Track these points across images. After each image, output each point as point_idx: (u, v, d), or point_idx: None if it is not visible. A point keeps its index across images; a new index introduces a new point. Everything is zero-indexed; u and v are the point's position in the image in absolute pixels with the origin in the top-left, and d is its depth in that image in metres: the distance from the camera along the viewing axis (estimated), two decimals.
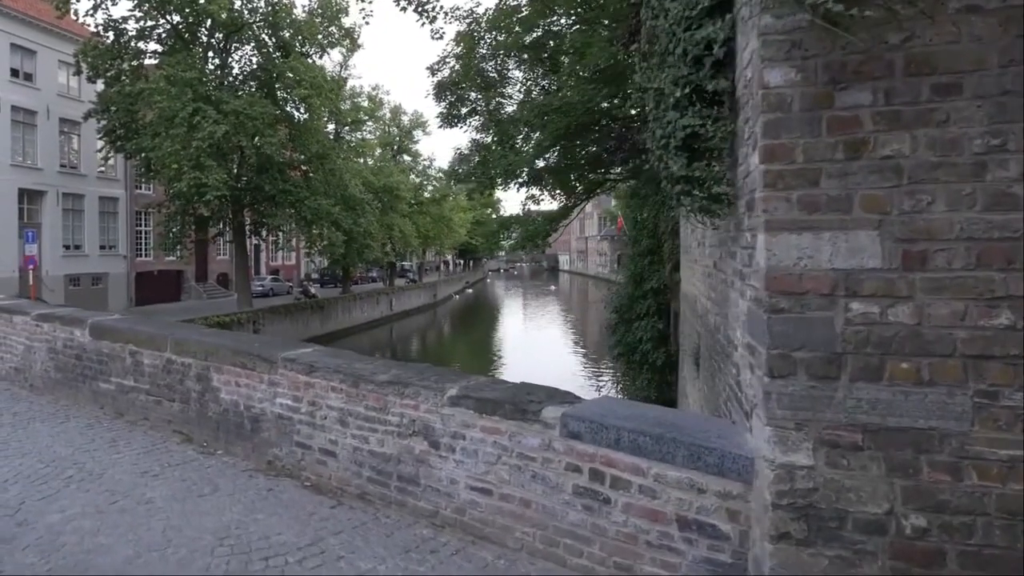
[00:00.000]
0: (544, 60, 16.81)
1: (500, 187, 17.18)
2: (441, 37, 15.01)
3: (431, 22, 14.53)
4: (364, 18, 19.36)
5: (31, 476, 4.01)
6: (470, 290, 76.83)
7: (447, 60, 18.28)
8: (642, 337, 9.18)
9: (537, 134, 11.88)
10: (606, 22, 13.83)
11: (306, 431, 4.07)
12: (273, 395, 4.26)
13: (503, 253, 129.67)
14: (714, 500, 2.56)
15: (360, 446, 3.78)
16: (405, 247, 45.42)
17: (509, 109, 17.53)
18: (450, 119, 18.87)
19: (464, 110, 18.00)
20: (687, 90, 2.88)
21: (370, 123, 43.34)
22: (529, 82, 18.34)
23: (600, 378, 26.44)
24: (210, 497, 3.76)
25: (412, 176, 48.06)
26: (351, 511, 3.63)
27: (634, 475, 2.75)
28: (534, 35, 16.79)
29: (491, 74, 18.03)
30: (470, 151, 18.14)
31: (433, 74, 18.31)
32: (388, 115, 46.68)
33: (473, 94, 18.56)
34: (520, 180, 15.84)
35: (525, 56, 17.26)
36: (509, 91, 17.43)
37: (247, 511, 3.59)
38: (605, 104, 11.88)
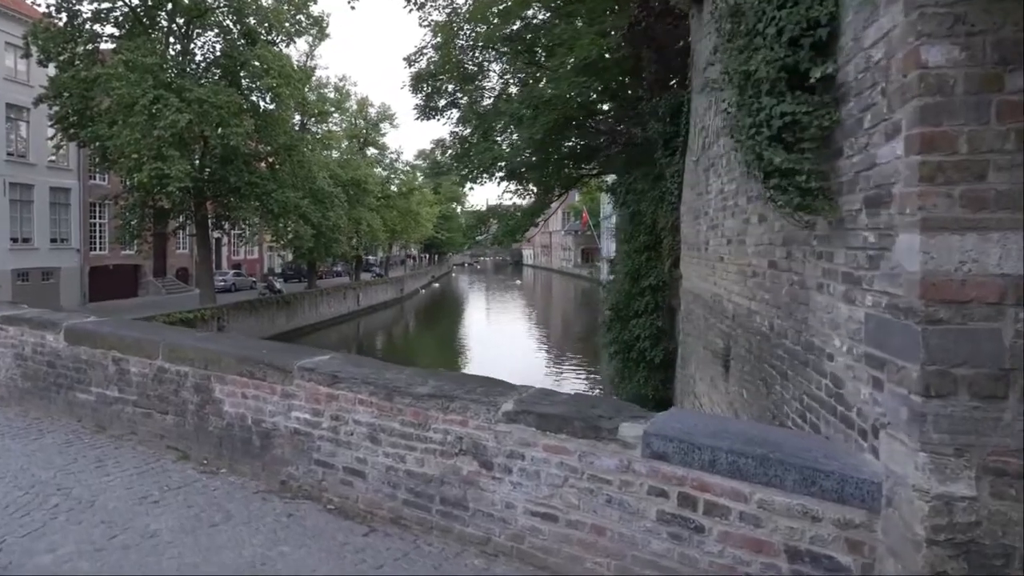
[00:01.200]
0: (523, 53, 16.46)
1: (480, 181, 16.77)
2: (430, 25, 14.49)
3: (419, 8, 14.00)
4: (350, 2, 18.14)
5: (9, 506, 3.51)
6: (436, 284, 76.13)
7: (425, 51, 17.77)
8: (640, 335, 8.97)
9: (525, 127, 11.55)
10: (584, 14, 13.58)
11: (328, 448, 3.67)
12: (288, 408, 3.85)
13: (467, 247, 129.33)
14: (831, 529, 2.29)
15: (395, 465, 3.40)
16: (372, 241, 44.55)
17: (487, 102, 17.12)
18: (427, 111, 18.37)
19: (442, 102, 17.51)
20: (782, 74, 2.60)
21: (336, 115, 42.31)
22: (508, 75, 17.98)
23: (576, 373, 26.46)
24: (224, 527, 3.34)
25: (379, 169, 47.20)
26: (387, 539, 3.26)
27: (734, 501, 2.46)
28: (514, 27, 16.43)
29: (470, 66, 17.59)
30: (451, 144, 17.66)
31: (410, 65, 17.78)
32: (355, 107, 45.66)
33: (451, 86, 18.09)
34: (500, 175, 15.49)
35: (505, 49, 16.89)
36: (488, 84, 17.03)
37: (269, 542, 3.18)
38: (593, 96, 11.63)
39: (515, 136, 12.76)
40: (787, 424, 3.37)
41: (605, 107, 14.49)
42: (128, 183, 24.32)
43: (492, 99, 17.61)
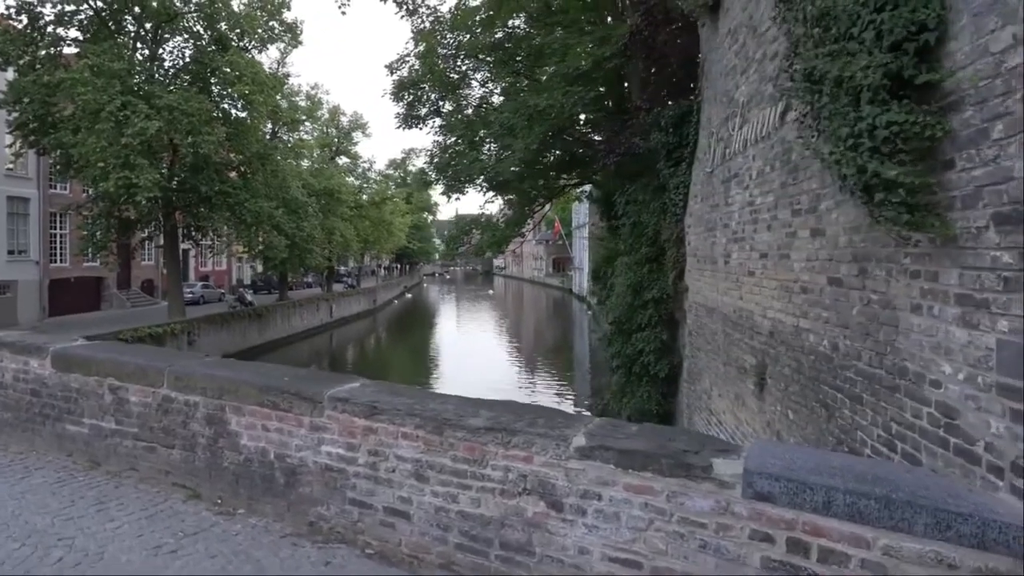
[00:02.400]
0: (507, 62, 16.33)
1: (464, 192, 16.50)
2: (419, 32, 14.18)
3: (411, 15, 13.72)
4: (341, 8, 17.56)
5: (6, 562, 3.10)
6: (409, 295, 75.31)
7: (407, 59, 17.50)
8: (643, 348, 8.79)
9: (519, 137, 11.34)
10: (572, 24, 13.49)
11: (365, 487, 3.36)
12: (317, 442, 3.52)
13: (438, 257, 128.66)
14: None
15: (445, 506, 3.11)
16: (345, 251, 43.80)
17: (468, 111, 16.91)
18: (409, 120, 18.07)
19: (423, 111, 17.23)
20: (885, 80, 2.41)
21: (308, 123, 41.57)
22: (490, 83, 17.82)
23: (549, 386, 26.25)
24: None
25: (351, 179, 46.52)
26: None
27: (854, 547, 2.24)
28: (496, 36, 16.29)
29: (452, 75, 17.37)
30: (435, 154, 17.36)
31: (392, 72, 17.48)
32: (326, 116, 44.97)
33: (434, 95, 17.84)
34: (484, 186, 15.27)
35: (489, 58, 16.73)
36: (471, 93, 16.82)
37: None
38: (586, 106, 11.51)
39: (502, 147, 12.53)
40: (863, 452, 3.18)
41: (599, 117, 14.37)
42: (93, 192, 23.40)
43: (474, 108, 17.41)
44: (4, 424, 4.98)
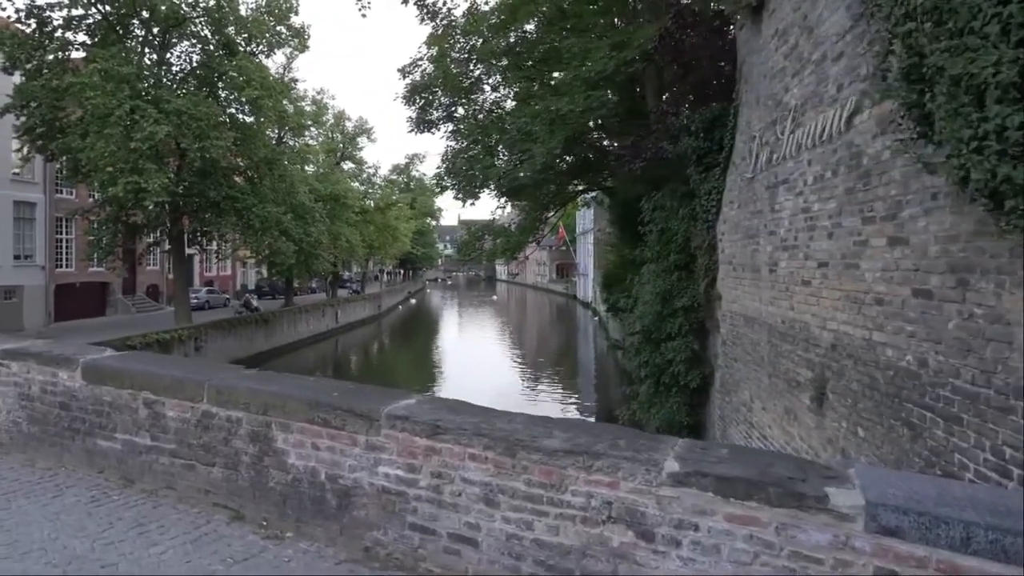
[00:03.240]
0: (521, 67, 16.20)
1: (479, 196, 16.35)
2: (436, 34, 14.09)
3: (431, 18, 13.59)
4: (361, 10, 17.22)
5: None
6: (413, 300, 75.19)
7: (419, 62, 17.38)
8: (673, 358, 8.59)
9: (541, 142, 11.18)
10: (593, 28, 13.36)
11: (427, 511, 3.16)
12: (373, 462, 3.32)
13: (440, 262, 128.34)
14: None
15: (519, 533, 2.90)
16: (350, 256, 43.65)
17: (480, 116, 16.78)
18: (421, 124, 17.93)
19: (436, 115, 17.09)
20: (1017, 78, 2.23)
21: (313, 128, 41.48)
22: (504, 87, 17.70)
23: (554, 394, 26.05)
24: None
25: (356, 184, 46.42)
26: None
27: None
28: (509, 40, 16.18)
29: (463, 80, 17.25)
30: (450, 159, 17.22)
31: (404, 76, 17.34)
32: (331, 120, 44.89)
33: (446, 99, 17.71)
34: (498, 191, 15.11)
35: (502, 62, 16.61)
36: (483, 97, 16.69)
37: None
38: (608, 110, 11.36)
39: (520, 151, 12.37)
40: (963, 476, 2.98)
41: (612, 122, 14.22)
42: (100, 197, 23.27)
43: (487, 113, 17.28)
44: (31, 438, 4.78)
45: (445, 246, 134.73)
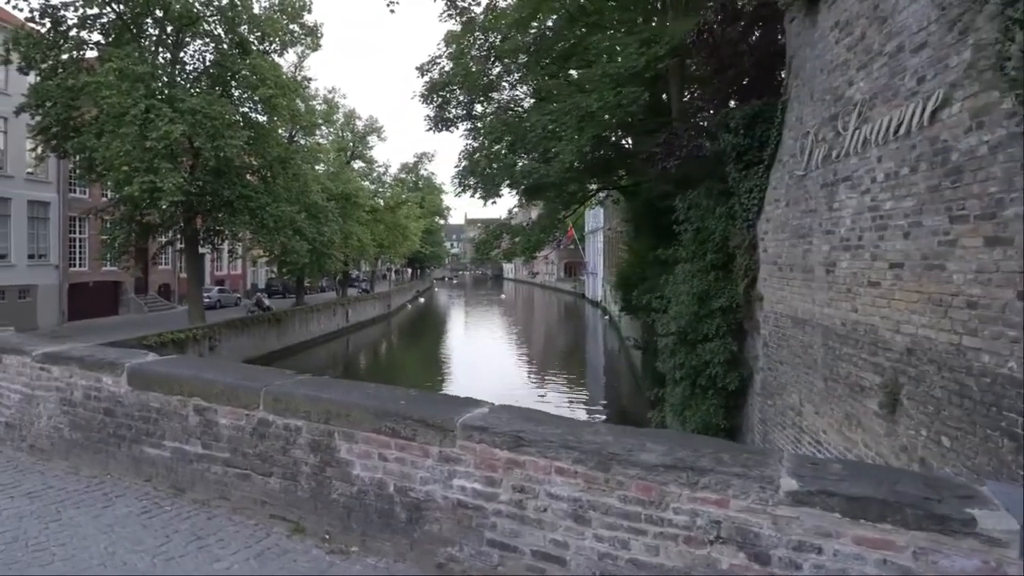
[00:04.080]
0: (543, 65, 16.01)
1: (500, 196, 16.18)
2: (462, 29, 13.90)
3: (460, 14, 13.43)
4: (389, 5, 16.67)
5: None
6: (421, 299, 75.15)
7: (438, 60, 17.21)
8: (710, 360, 8.39)
9: (569, 140, 10.99)
10: (619, 24, 13.17)
11: (507, 526, 2.99)
12: (448, 475, 3.15)
13: (448, 261, 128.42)
14: None
15: (613, 552, 2.73)
16: (361, 255, 43.56)
17: (504, 114, 16.59)
18: (439, 122, 17.76)
19: (455, 112, 16.92)
20: None
21: (323, 127, 41.39)
22: (520, 85, 17.51)
23: (563, 392, 25.90)
24: None
25: (367, 183, 46.34)
26: None
27: None
28: (529, 34, 16.01)
29: (482, 79, 17.07)
30: (473, 157, 17.04)
31: (423, 74, 17.18)
32: (341, 119, 44.81)
33: (463, 97, 17.54)
34: (521, 189, 14.93)
35: (522, 60, 16.43)
36: (505, 95, 16.51)
37: None
38: (638, 107, 11.17)
39: (545, 150, 12.18)
40: None
41: (634, 120, 14.01)
42: (115, 196, 23.23)
43: (508, 111, 17.10)
44: (74, 445, 4.64)
45: (452, 245, 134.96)
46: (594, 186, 18.64)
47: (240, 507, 3.84)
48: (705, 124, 9.52)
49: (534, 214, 35.77)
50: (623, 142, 14.67)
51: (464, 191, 15.26)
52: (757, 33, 9.01)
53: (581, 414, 21.54)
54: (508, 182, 14.70)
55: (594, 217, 56.66)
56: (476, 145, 16.76)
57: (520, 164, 12.65)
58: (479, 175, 15.77)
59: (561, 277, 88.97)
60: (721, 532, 2.51)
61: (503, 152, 14.84)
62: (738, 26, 8.66)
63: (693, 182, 11.03)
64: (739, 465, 2.57)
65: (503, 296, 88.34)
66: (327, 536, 3.50)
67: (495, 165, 15.14)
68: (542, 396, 24.83)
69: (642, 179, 14.08)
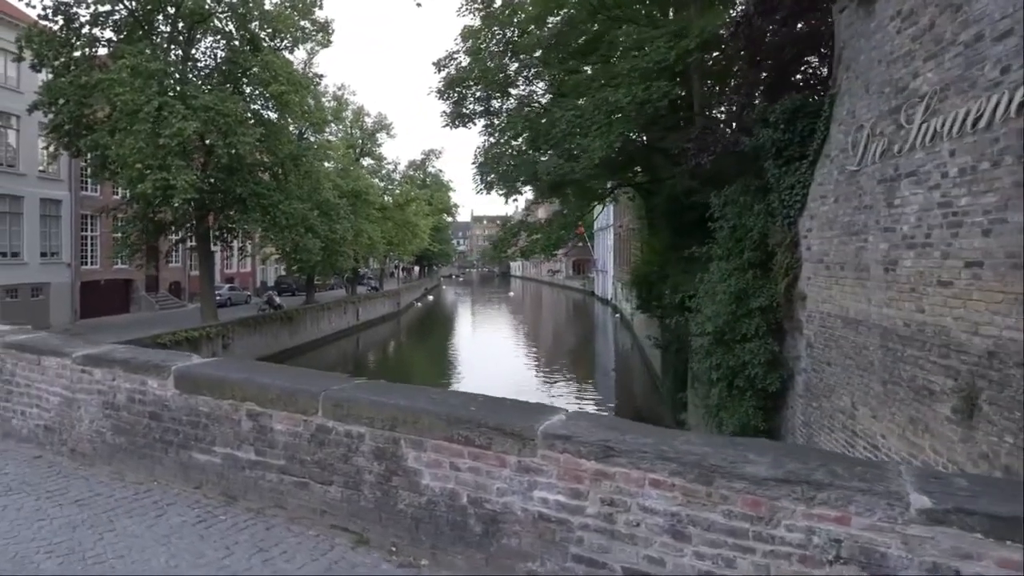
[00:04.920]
0: (562, 60, 15.82)
1: (522, 192, 16.00)
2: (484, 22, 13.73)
3: (483, 7, 13.25)
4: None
5: None
6: (430, 297, 75.08)
7: (455, 56, 17.04)
8: (748, 360, 8.21)
9: (599, 136, 10.82)
10: (644, 18, 12.97)
11: (595, 541, 2.82)
12: (528, 486, 2.99)
13: (455, 259, 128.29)
14: None
15: (715, 571, 2.56)
16: (371, 253, 43.47)
17: (525, 110, 16.40)
18: (456, 118, 17.59)
19: (472, 108, 16.74)
20: None
21: (332, 124, 41.26)
22: (537, 80, 17.32)
23: (579, 392, 25.77)
24: None
25: (376, 180, 46.20)
26: None
27: None
28: (547, 27, 15.81)
29: (499, 75, 16.89)
30: (488, 154, 16.87)
31: (440, 69, 17.02)
32: (350, 116, 44.69)
33: (479, 92, 17.37)
34: (545, 186, 14.75)
35: (540, 55, 16.24)
36: (527, 90, 16.33)
37: None
38: (668, 102, 10.99)
39: (571, 146, 12.00)
40: None
41: (655, 116, 13.82)
42: (128, 194, 23.15)
43: (530, 107, 16.92)
44: (117, 450, 4.50)
45: (459, 242, 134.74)
46: (611, 183, 18.46)
47: (298, 516, 3.69)
48: (730, 118, 9.30)
49: (541, 212, 35.61)
50: (641, 138, 14.46)
51: (486, 189, 15.12)
52: (797, 25, 8.79)
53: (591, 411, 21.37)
54: (525, 179, 14.51)
55: (603, 214, 56.40)
56: (494, 141, 16.58)
57: (543, 161, 12.44)
58: (499, 173, 15.59)
59: (570, 275, 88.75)
60: (842, 551, 2.34)
61: (525, 149, 14.65)
62: (777, 18, 8.45)
63: (723, 178, 10.82)
64: (858, 479, 2.40)
65: (511, 294, 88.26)
66: (394, 548, 3.35)
67: (514, 162, 14.95)
68: (555, 395, 24.75)
69: (664, 175, 13.86)
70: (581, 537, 2.86)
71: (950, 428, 4.52)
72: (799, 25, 8.67)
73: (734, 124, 9.51)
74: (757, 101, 8.96)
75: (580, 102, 11.88)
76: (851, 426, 6.25)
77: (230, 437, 3.98)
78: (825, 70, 9.60)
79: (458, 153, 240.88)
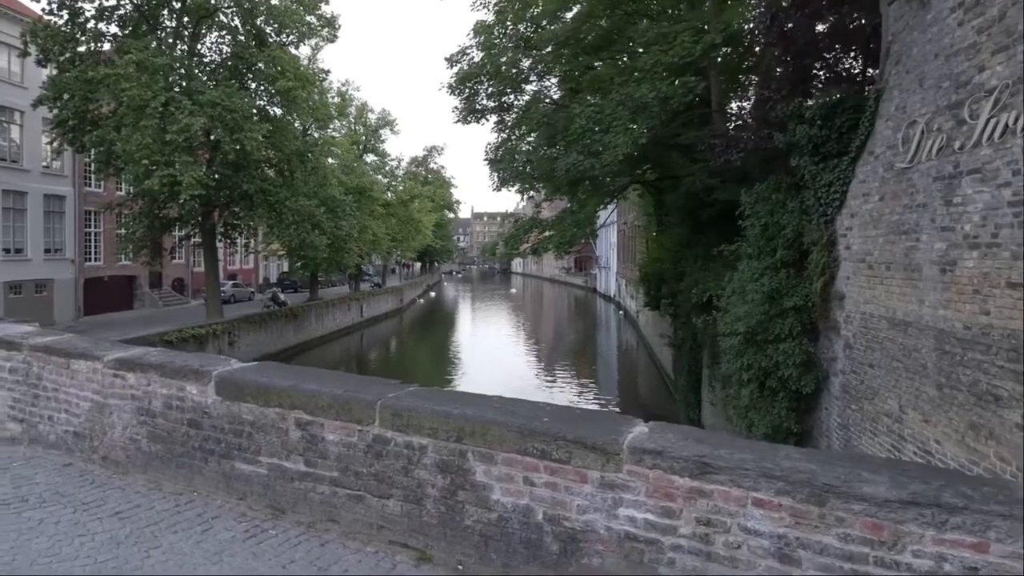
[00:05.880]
0: (579, 55, 15.60)
1: (537, 189, 15.78)
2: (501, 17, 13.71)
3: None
4: None
5: None
6: (432, 294, 74.91)
7: (467, 51, 16.82)
8: (781, 361, 8.02)
9: (623, 132, 10.61)
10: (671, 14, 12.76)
11: (690, 563, 2.64)
12: (612, 503, 2.80)
13: (455, 255, 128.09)
14: None
15: None
16: (375, 250, 43.25)
17: (541, 106, 16.18)
18: (468, 114, 17.38)
19: (488, 104, 16.52)
20: None
21: (336, 121, 40.99)
22: (552, 76, 17.10)
23: (585, 391, 25.63)
24: None
25: (380, 176, 45.96)
26: None
27: None
28: (560, 24, 15.60)
29: (511, 69, 16.66)
30: (500, 150, 16.65)
31: (452, 65, 16.79)
32: (354, 112, 44.41)
33: (494, 88, 17.15)
34: (562, 182, 14.54)
35: (549, 48, 16.02)
36: (543, 86, 16.11)
37: None
38: (688, 98, 10.79)
39: (591, 142, 11.78)
40: None
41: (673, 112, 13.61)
42: (134, 190, 22.94)
43: (539, 103, 16.69)
44: (153, 458, 4.31)
45: (459, 239, 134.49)
46: (627, 180, 18.22)
47: (352, 531, 3.50)
48: (758, 114, 9.09)
49: (545, 209, 35.40)
50: (656, 135, 14.25)
51: (500, 185, 14.92)
52: (830, 19, 8.60)
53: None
54: (541, 176, 14.30)
55: (605, 211, 56.16)
56: (506, 137, 16.37)
57: (562, 157, 12.25)
58: (514, 169, 15.38)
59: (571, 271, 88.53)
60: None
61: (541, 145, 14.44)
62: (811, 12, 8.25)
63: (743, 175, 10.64)
64: (995, 502, 2.21)
65: (513, 291, 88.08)
66: (460, 567, 3.16)
67: (529, 159, 14.74)
68: (558, 390, 24.64)
69: (681, 172, 13.66)
70: (673, 559, 2.68)
71: (1019, 436, 4.34)
72: (832, 19, 8.46)
73: (749, 120, 9.30)
74: (784, 97, 8.75)
75: (590, 99, 11.63)
76: (898, 430, 6.07)
77: (277, 447, 3.78)
78: (854, 65, 9.41)
79: (459, 150, 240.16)
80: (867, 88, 8.01)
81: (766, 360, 8.18)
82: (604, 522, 2.83)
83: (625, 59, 13.54)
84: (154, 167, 19.85)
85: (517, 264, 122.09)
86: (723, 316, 9.11)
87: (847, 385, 7.32)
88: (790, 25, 8.33)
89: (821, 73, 9.05)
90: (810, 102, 7.85)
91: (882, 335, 6.43)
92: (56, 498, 3.96)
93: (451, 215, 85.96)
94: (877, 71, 9.20)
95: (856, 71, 8.94)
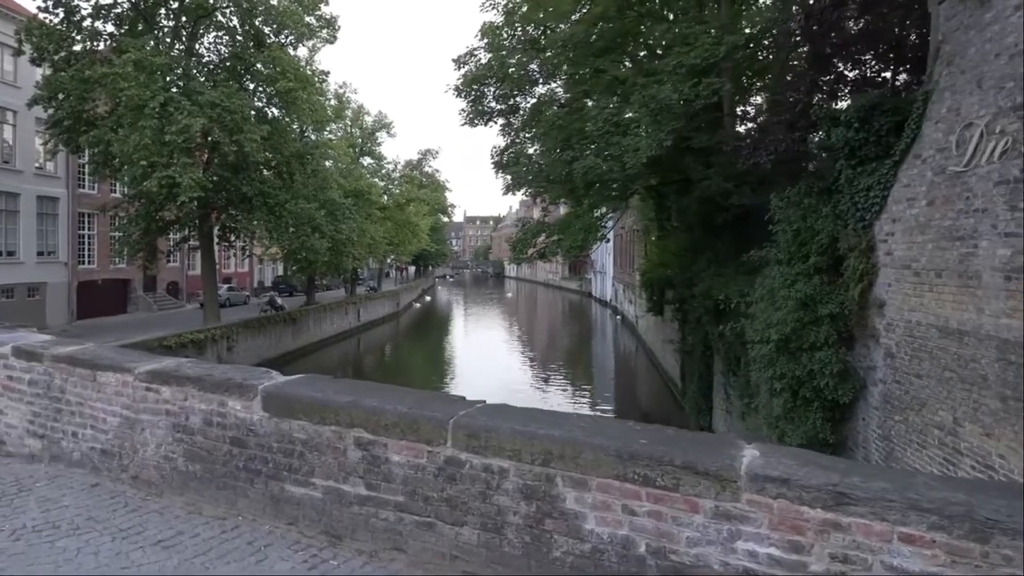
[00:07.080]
0: (590, 56, 15.40)
1: (551, 193, 15.56)
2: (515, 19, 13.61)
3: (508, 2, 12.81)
4: None
5: None
6: (428, 298, 74.52)
7: (475, 52, 16.59)
8: (816, 370, 7.82)
9: (646, 135, 10.41)
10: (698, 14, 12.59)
11: None
12: (729, 536, 2.56)
13: (449, 259, 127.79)
14: None
15: None
16: (372, 253, 42.87)
17: (553, 108, 15.97)
18: (474, 116, 17.15)
19: (496, 106, 16.30)
20: None
21: (333, 123, 40.62)
22: (563, 76, 16.89)
23: (581, 396, 25.43)
24: None
25: (376, 179, 45.60)
26: None
27: None
28: (571, 23, 15.41)
29: (519, 72, 16.45)
30: (509, 153, 16.43)
31: (459, 66, 16.56)
32: (350, 115, 44.08)
33: (501, 91, 16.93)
34: (576, 186, 14.32)
35: (560, 52, 15.82)
36: (548, 88, 15.90)
37: None
38: (713, 99, 10.61)
39: (608, 145, 11.57)
40: None
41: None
42: (131, 192, 22.50)
43: (547, 106, 16.48)
44: (191, 478, 4.01)
45: (452, 243, 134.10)
46: (639, 184, 18.00)
47: (421, 560, 3.23)
48: (790, 117, 8.90)
49: (536, 213, 35.18)
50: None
51: (515, 188, 14.67)
52: (863, 21, 8.43)
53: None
54: (554, 179, 14.08)
55: (614, 215, 55.90)
56: (517, 140, 16.15)
57: (578, 161, 12.03)
58: (526, 173, 15.15)
59: (565, 276, 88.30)
60: None
61: (554, 148, 14.23)
62: (848, 11, 8.08)
63: (763, 179, 10.46)
64: None
65: (508, 295, 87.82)
66: None
67: (542, 162, 14.52)
68: (555, 397, 24.41)
69: (695, 175, 13.47)
70: None
71: None
72: (865, 20, 8.30)
73: (774, 122, 9.10)
74: (807, 99, 8.58)
75: (613, 101, 11.42)
76: (952, 443, 5.87)
77: (333, 468, 3.50)
78: (883, 67, 9.25)
79: (452, 154, 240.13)
80: (899, 91, 7.84)
81: (800, 369, 7.97)
82: (720, 556, 2.58)
83: (632, 61, 13.33)
84: (152, 168, 19.46)
85: (511, 268, 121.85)
86: (751, 323, 8.91)
87: (889, 395, 7.12)
88: (818, 26, 8.16)
89: (849, 75, 8.90)
90: (842, 104, 7.65)
91: (931, 344, 6.23)
92: (90, 524, 3.66)
93: (445, 219, 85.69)
94: (904, 73, 9.07)
95: (887, 73, 8.78)
